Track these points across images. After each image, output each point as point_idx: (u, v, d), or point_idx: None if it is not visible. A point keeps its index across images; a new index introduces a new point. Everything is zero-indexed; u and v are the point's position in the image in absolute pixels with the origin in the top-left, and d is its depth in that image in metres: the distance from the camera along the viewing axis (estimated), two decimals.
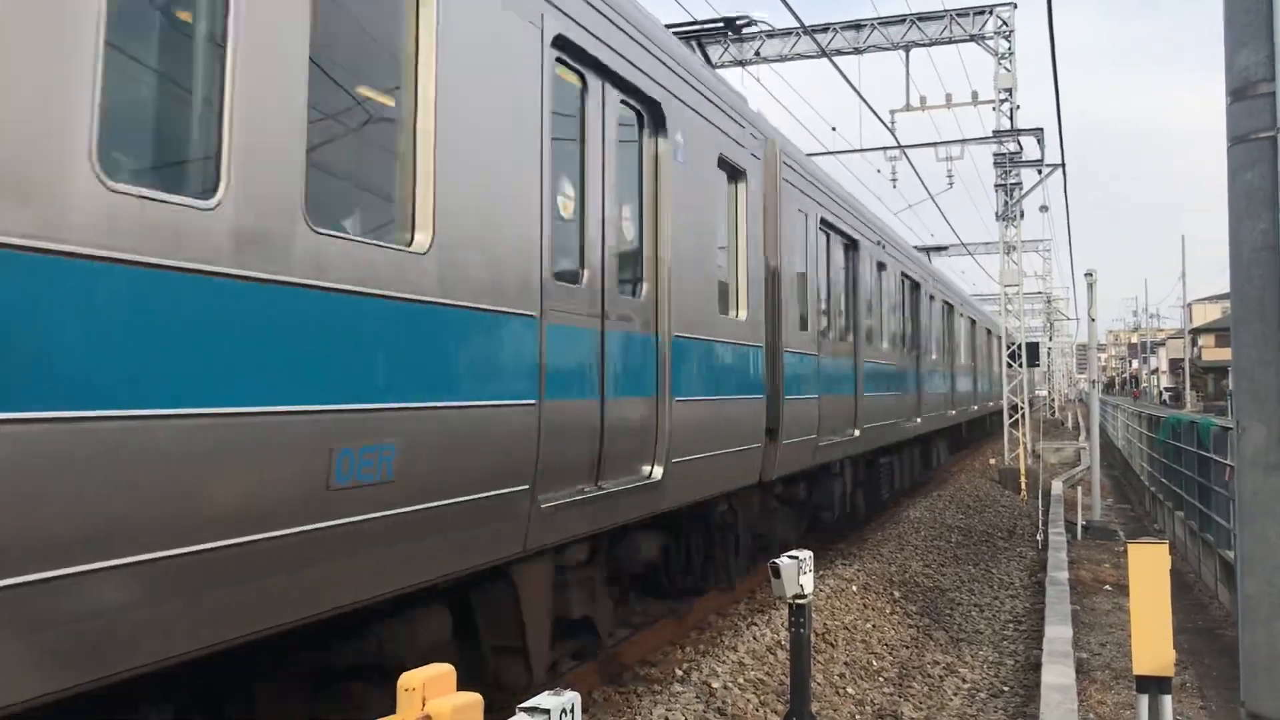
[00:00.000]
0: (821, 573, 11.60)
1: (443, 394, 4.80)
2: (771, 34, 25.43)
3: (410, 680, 3.18)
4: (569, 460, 6.12)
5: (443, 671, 3.25)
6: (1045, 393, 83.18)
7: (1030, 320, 58.28)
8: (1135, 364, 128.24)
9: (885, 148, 30.80)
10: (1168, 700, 6.22)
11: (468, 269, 5.01)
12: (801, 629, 7.01)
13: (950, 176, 32.57)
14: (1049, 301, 64.48)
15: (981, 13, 25.05)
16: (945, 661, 10.08)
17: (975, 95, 27.78)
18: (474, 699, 3.22)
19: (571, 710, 3.55)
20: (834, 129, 29.83)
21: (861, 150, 30.91)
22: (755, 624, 9.73)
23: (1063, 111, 21.41)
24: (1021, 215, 28.49)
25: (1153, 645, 6.15)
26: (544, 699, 3.50)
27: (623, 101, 7.03)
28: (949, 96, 28.33)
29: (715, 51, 25.53)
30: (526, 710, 3.45)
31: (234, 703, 4.82)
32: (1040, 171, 27.84)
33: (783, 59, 25.62)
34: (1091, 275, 20.59)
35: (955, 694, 9.15)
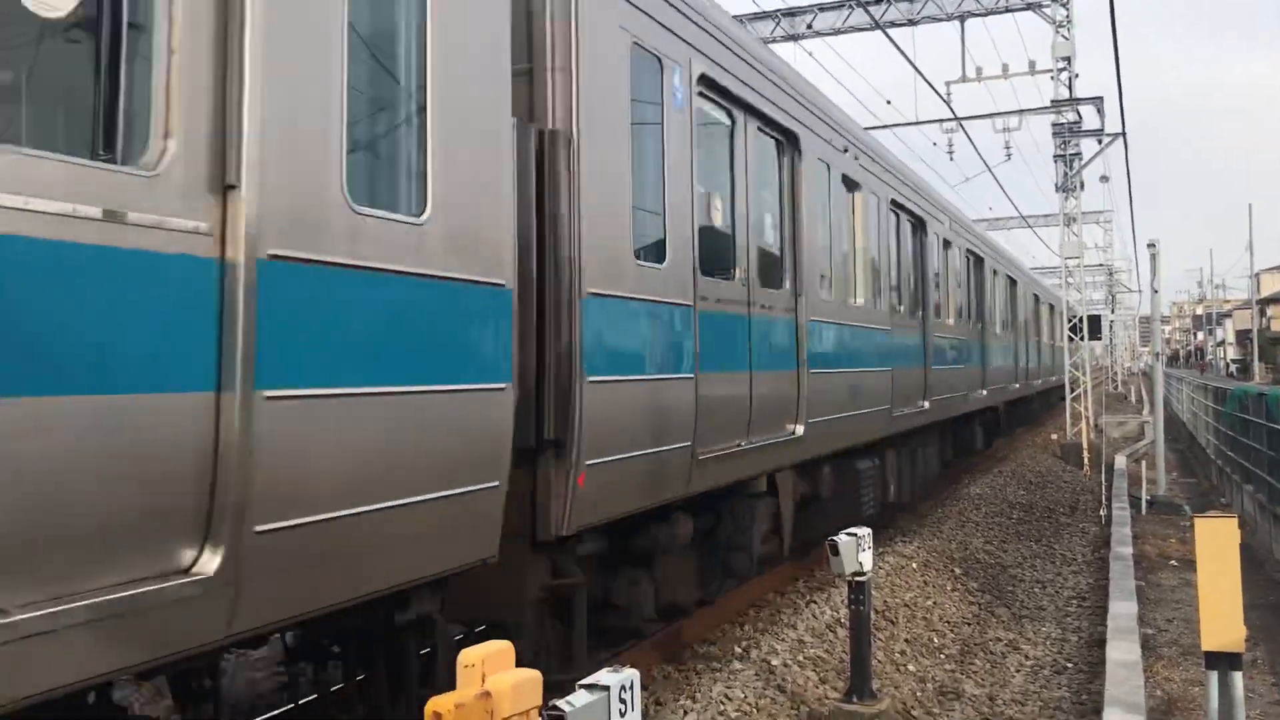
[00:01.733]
0: (881, 550, 11.52)
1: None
2: (824, 7, 25.14)
3: (470, 657, 3.17)
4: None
5: (502, 648, 3.25)
6: (1109, 364, 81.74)
7: (1092, 293, 57.32)
8: (1200, 336, 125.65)
9: (941, 120, 30.38)
10: (1238, 677, 6.11)
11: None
12: (861, 606, 6.98)
13: (1008, 148, 32.04)
14: (1110, 274, 63.24)
15: None
16: (1007, 638, 9.99)
17: (1033, 65, 27.18)
18: (533, 675, 3.23)
19: (630, 686, 3.56)
20: (889, 102, 29.44)
21: (917, 123, 30.51)
22: (814, 602, 9.69)
23: (1123, 79, 20.99)
24: (1081, 186, 27.90)
25: (1222, 621, 6.03)
26: (603, 675, 3.50)
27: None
28: (1005, 66, 27.75)
29: (766, 27, 25.32)
30: (586, 687, 3.46)
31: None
32: (1100, 141, 27.24)
33: (836, 32, 25.29)
34: (1154, 246, 20.19)
35: (1018, 670, 9.07)
